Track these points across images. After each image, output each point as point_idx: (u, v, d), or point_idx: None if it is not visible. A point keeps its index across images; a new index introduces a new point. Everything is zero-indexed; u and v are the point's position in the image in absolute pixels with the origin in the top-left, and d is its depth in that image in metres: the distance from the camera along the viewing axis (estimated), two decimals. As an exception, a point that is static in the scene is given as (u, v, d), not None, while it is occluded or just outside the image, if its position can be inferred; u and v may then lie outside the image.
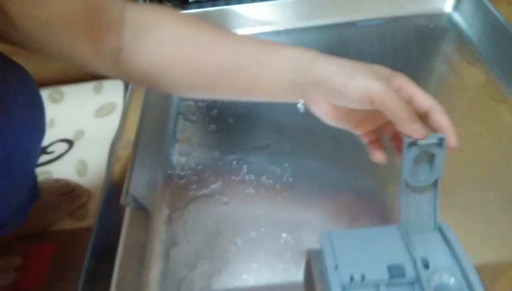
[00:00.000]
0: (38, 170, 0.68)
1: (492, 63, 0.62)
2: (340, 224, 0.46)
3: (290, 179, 0.51)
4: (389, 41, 0.69)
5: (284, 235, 0.46)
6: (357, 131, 0.41)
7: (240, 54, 0.38)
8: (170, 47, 0.38)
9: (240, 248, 0.45)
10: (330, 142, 0.54)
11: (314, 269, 0.36)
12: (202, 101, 0.63)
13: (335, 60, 0.37)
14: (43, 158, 0.71)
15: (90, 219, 0.62)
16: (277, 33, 0.72)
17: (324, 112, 0.38)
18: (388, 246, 0.34)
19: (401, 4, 0.72)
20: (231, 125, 0.59)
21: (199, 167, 0.54)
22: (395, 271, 0.33)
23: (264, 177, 0.52)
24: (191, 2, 0.73)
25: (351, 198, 0.49)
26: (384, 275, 0.32)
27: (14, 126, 0.44)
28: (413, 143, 0.32)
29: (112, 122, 0.76)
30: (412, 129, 0.32)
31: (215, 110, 0.61)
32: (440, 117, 0.34)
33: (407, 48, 0.68)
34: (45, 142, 0.53)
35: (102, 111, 0.80)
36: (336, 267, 0.33)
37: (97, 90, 0.84)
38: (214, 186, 0.51)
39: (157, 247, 0.46)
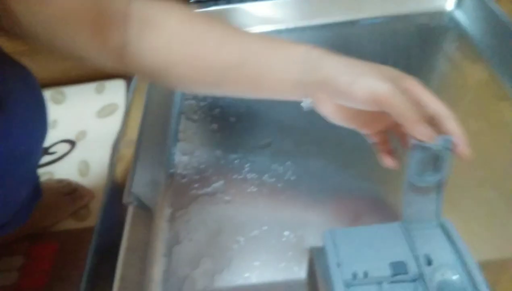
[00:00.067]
0: (40, 171, 0.68)
1: (494, 61, 0.62)
2: (342, 222, 0.46)
3: (292, 177, 0.51)
4: (390, 39, 0.69)
5: (286, 233, 0.46)
6: (364, 131, 0.41)
7: (246, 52, 0.38)
8: (176, 44, 0.38)
9: (243, 246, 0.45)
10: (332, 141, 0.54)
11: (316, 267, 0.36)
12: (204, 100, 0.63)
13: (342, 59, 0.36)
14: (45, 159, 0.72)
15: (93, 219, 0.62)
16: (279, 32, 0.72)
17: (329, 112, 0.38)
18: (390, 243, 0.34)
19: (402, 3, 0.72)
20: (233, 124, 0.59)
21: (201, 166, 0.54)
22: (397, 268, 0.33)
23: (266, 175, 0.52)
24: (192, 2, 0.73)
25: (353, 196, 0.49)
26: (387, 272, 0.32)
27: (16, 126, 0.45)
28: (420, 146, 0.32)
29: (114, 123, 0.76)
30: (419, 132, 0.31)
31: (217, 110, 0.61)
32: (450, 123, 0.34)
33: (409, 46, 0.68)
34: (47, 143, 0.53)
35: (104, 112, 0.80)
36: (339, 264, 0.33)
37: (99, 91, 0.84)
38: (216, 185, 0.51)
39: (160, 245, 0.46)
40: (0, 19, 0.33)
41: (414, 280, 0.32)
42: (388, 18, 0.72)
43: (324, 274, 0.34)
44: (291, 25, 0.72)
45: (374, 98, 0.33)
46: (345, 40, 0.70)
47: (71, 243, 0.59)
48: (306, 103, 0.38)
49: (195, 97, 0.63)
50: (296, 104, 0.39)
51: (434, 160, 0.33)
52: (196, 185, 0.52)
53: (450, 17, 0.71)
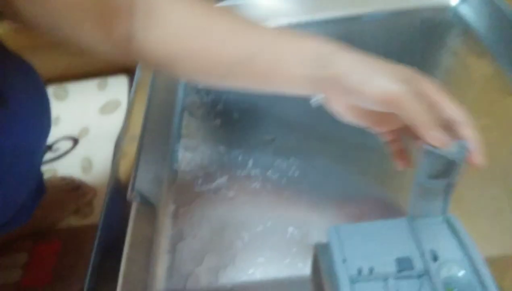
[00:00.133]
0: (43, 168, 0.69)
1: (500, 56, 0.61)
2: (346, 218, 0.46)
3: (296, 173, 0.51)
4: (394, 35, 0.69)
5: (290, 229, 0.45)
6: (375, 130, 0.40)
7: (256, 45, 0.37)
8: (183, 36, 0.37)
9: (247, 242, 0.45)
10: (336, 137, 0.54)
11: (321, 263, 0.35)
12: (207, 96, 0.63)
13: (356, 56, 0.35)
14: (48, 156, 0.72)
15: (96, 216, 0.62)
16: (281, 27, 0.71)
17: (340, 110, 0.37)
18: (396, 239, 0.34)
19: (406, -3, 0.72)
20: (236, 120, 0.59)
21: (205, 162, 0.54)
22: (403, 264, 0.32)
23: (270, 171, 0.51)
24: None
25: (358, 192, 0.48)
26: (393, 268, 0.32)
27: (19, 122, 0.45)
28: (432, 151, 0.31)
29: (116, 119, 0.76)
30: (432, 137, 0.30)
31: (220, 105, 0.61)
32: (465, 130, 0.32)
33: (413, 42, 0.67)
34: (50, 140, 0.53)
35: (107, 109, 0.80)
36: (344, 260, 0.33)
37: (101, 88, 0.84)
38: (220, 181, 0.51)
39: (164, 242, 0.46)
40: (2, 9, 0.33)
41: (420, 276, 0.32)
42: (392, 13, 0.71)
43: (328, 270, 0.34)
44: (293, 20, 0.72)
45: (386, 100, 0.32)
46: (349, 35, 0.69)
47: (75, 240, 0.60)
48: (316, 99, 0.37)
49: (198, 93, 0.63)
50: (300, 100, 0.39)
51: (446, 164, 0.32)
52: (199, 181, 0.52)
53: (455, 11, 0.71)
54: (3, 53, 0.47)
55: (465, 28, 0.68)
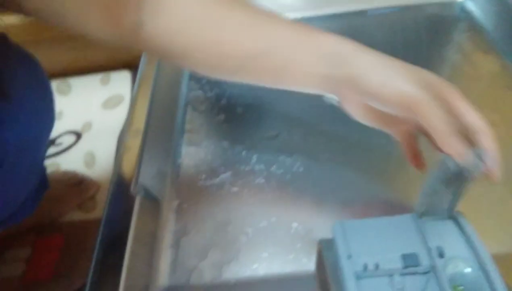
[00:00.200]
0: (46, 162, 0.68)
1: (506, 52, 0.61)
2: (350, 214, 0.46)
3: (301, 169, 0.51)
4: (400, 30, 0.68)
5: (295, 224, 0.45)
6: (390, 132, 0.39)
7: (270, 40, 0.35)
8: (194, 27, 0.35)
9: (251, 237, 0.45)
10: (341, 133, 0.54)
11: (326, 259, 0.35)
12: (211, 91, 0.62)
13: (375, 56, 0.33)
14: (51, 150, 0.72)
15: (99, 211, 0.62)
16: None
17: (355, 111, 0.36)
18: (402, 235, 0.34)
19: (412, -7, 0.71)
20: (240, 115, 0.59)
21: (208, 157, 0.54)
22: (409, 260, 0.32)
23: (274, 166, 0.51)
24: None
25: (362, 188, 0.48)
26: (398, 264, 0.32)
27: (23, 115, 0.44)
28: (448, 162, 0.30)
29: (119, 114, 0.76)
30: (449, 146, 0.29)
31: (224, 100, 0.61)
32: (485, 140, 0.31)
33: (419, 37, 0.67)
34: (53, 134, 0.53)
35: (110, 103, 0.80)
36: (349, 256, 0.33)
37: (105, 82, 0.84)
38: (223, 176, 0.51)
39: (167, 236, 0.46)
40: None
41: (426, 273, 0.32)
42: (398, 8, 0.71)
43: (333, 266, 0.34)
44: (299, 15, 0.71)
45: (403, 104, 0.31)
46: (354, 30, 0.69)
47: (78, 234, 0.60)
48: (329, 97, 0.36)
49: (202, 88, 0.63)
50: (305, 96, 0.38)
51: (460, 174, 0.31)
52: (203, 176, 0.51)
53: (461, 7, 0.70)
54: (7, 47, 0.47)
55: (472, 24, 0.67)
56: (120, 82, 0.83)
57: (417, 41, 0.66)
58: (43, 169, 0.57)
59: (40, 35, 0.78)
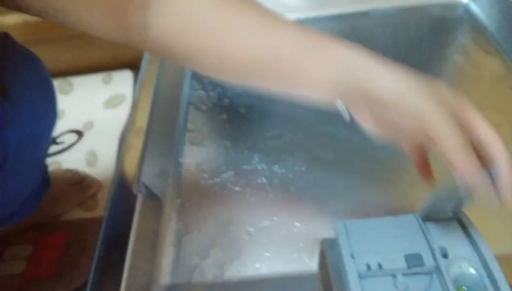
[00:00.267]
0: (48, 160, 0.68)
1: (510, 53, 0.61)
2: (353, 213, 0.46)
3: (303, 169, 0.50)
4: (403, 31, 0.68)
5: (297, 224, 0.45)
6: (399, 143, 0.37)
7: (280, 45, 0.34)
8: (202, 30, 0.34)
9: (253, 237, 0.45)
10: (343, 132, 0.54)
11: (328, 258, 0.35)
12: (213, 90, 0.62)
13: (387, 66, 0.33)
14: (53, 149, 0.72)
15: (100, 209, 0.62)
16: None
17: (365, 120, 0.35)
18: (405, 235, 0.34)
19: (415, -6, 0.71)
20: (242, 115, 0.59)
21: (210, 156, 0.54)
22: (413, 260, 0.32)
23: (276, 166, 0.51)
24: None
25: (364, 188, 0.48)
26: (402, 264, 0.32)
27: (25, 113, 0.44)
28: (462, 180, 0.29)
29: (121, 114, 0.76)
30: (461, 168, 0.29)
31: (226, 100, 0.61)
32: (497, 154, 0.30)
33: (422, 38, 0.67)
34: (54, 133, 0.53)
35: (111, 103, 0.80)
36: (352, 256, 0.32)
37: (106, 82, 0.84)
38: (225, 175, 0.51)
39: (169, 235, 0.46)
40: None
41: (429, 273, 0.32)
42: (401, 9, 0.71)
43: (336, 265, 0.34)
44: (301, 15, 0.71)
45: (415, 116, 0.30)
46: (356, 31, 0.69)
47: (79, 233, 0.59)
48: (340, 103, 0.35)
49: (204, 88, 0.63)
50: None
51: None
52: (205, 175, 0.51)
53: (465, 8, 0.70)
54: (9, 46, 0.47)
55: (476, 25, 0.67)
56: (122, 82, 0.83)
57: (420, 42, 0.66)
58: (44, 168, 0.57)
59: (42, 34, 0.78)
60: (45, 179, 0.57)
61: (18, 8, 0.33)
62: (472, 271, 0.31)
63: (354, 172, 0.50)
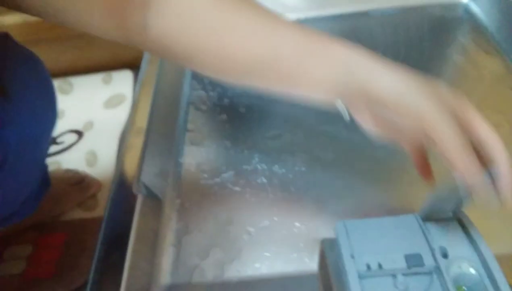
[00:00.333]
0: (48, 160, 0.68)
1: (510, 53, 0.61)
2: (353, 213, 0.46)
3: (303, 169, 0.51)
4: (403, 31, 0.68)
5: (297, 224, 0.45)
6: (399, 143, 0.37)
7: (279, 45, 0.34)
8: (203, 30, 0.34)
9: (253, 237, 0.45)
10: (343, 132, 0.54)
11: (328, 258, 0.35)
12: (213, 90, 0.62)
13: (388, 66, 0.33)
14: (53, 149, 0.72)
15: (100, 209, 0.62)
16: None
17: (365, 120, 0.35)
18: (405, 235, 0.34)
19: (415, -6, 0.71)
20: (242, 115, 0.59)
21: (210, 156, 0.54)
22: (413, 260, 0.32)
23: (276, 166, 0.51)
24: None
25: (364, 188, 0.48)
26: (402, 264, 0.32)
27: (25, 113, 0.44)
28: (462, 180, 0.29)
29: (121, 114, 0.76)
30: (461, 167, 0.29)
31: (226, 100, 0.61)
32: (497, 154, 0.30)
33: (422, 38, 0.67)
34: (54, 133, 0.53)
35: (111, 103, 0.80)
36: (352, 256, 0.32)
37: (106, 82, 0.84)
38: (225, 175, 0.51)
39: (169, 235, 0.46)
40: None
41: (429, 273, 0.32)
42: (401, 9, 0.71)
43: (336, 265, 0.34)
44: (301, 15, 0.71)
45: (415, 116, 0.30)
46: (356, 31, 0.69)
47: (79, 233, 0.59)
48: (340, 104, 0.35)
49: (204, 88, 0.63)
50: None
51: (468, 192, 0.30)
52: (205, 175, 0.51)
53: (465, 8, 0.70)
54: (9, 46, 0.47)
55: (476, 25, 0.67)
56: (122, 82, 0.83)
57: (420, 43, 0.66)
58: (45, 168, 0.57)
59: (42, 34, 0.78)
60: (45, 179, 0.57)
61: (18, 8, 0.33)
62: (472, 271, 0.31)
63: (354, 172, 0.50)
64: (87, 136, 0.74)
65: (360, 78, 0.33)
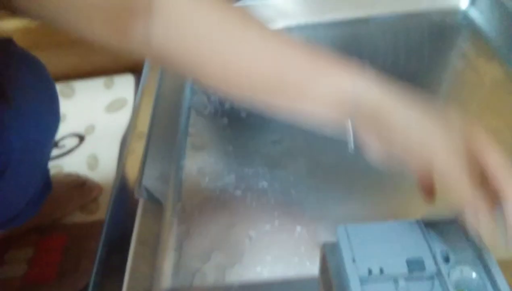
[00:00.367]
0: (49, 164, 0.68)
1: (509, 59, 0.61)
2: (355, 217, 0.46)
3: (304, 173, 0.51)
4: (403, 38, 0.68)
5: (298, 228, 0.45)
6: (405, 167, 0.36)
7: (285, 67, 0.34)
8: (208, 44, 0.34)
9: (254, 240, 0.45)
10: (344, 137, 0.54)
11: (329, 263, 0.35)
12: (214, 95, 0.63)
13: (398, 95, 0.32)
14: (54, 152, 0.72)
15: (101, 213, 0.62)
16: (289, 29, 0.71)
17: (371, 141, 0.35)
18: (406, 240, 0.34)
19: (415, 0, 0.71)
20: (244, 119, 0.59)
21: (212, 160, 0.54)
22: (414, 265, 0.32)
23: (278, 170, 0.51)
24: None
25: (365, 192, 0.48)
26: (403, 269, 0.32)
27: (28, 118, 0.45)
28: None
29: (122, 118, 0.76)
30: (471, 211, 0.29)
31: (227, 104, 0.61)
32: (508, 203, 0.29)
33: (422, 45, 0.67)
34: (56, 136, 0.53)
35: (113, 107, 0.80)
36: (354, 260, 0.32)
37: (108, 86, 0.84)
38: (227, 179, 0.51)
39: (170, 239, 0.46)
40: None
41: (431, 277, 0.32)
42: (401, 15, 0.71)
43: (337, 270, 0.34)
44: (302, 22, 0.71)
45: (427, 152, 0.30)
46: (357, 38, 0.69)
47: (80, 236, 0.59)
48: (348, 127, 0.35)
49: (205, 92, 0.63)
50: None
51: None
52: (206, 179, 0.51)
53: (464, 15, 0.71)
54: (12, 51, 0.47)
55: (475, 31, 0.68)
56: (123, 86, 0.84)
57: (420, 49, 0.66)
58: (46, 171, 0.57)
59: (44, 39, 0.78)
60: (46, 182, 0.57)
61: (14, 10, 0.33)
62: (474, 275, 0.31)
63: (355, 176, 0.50)
64: (88, 140, 0.74)
65: (370, 101, 0.32)
